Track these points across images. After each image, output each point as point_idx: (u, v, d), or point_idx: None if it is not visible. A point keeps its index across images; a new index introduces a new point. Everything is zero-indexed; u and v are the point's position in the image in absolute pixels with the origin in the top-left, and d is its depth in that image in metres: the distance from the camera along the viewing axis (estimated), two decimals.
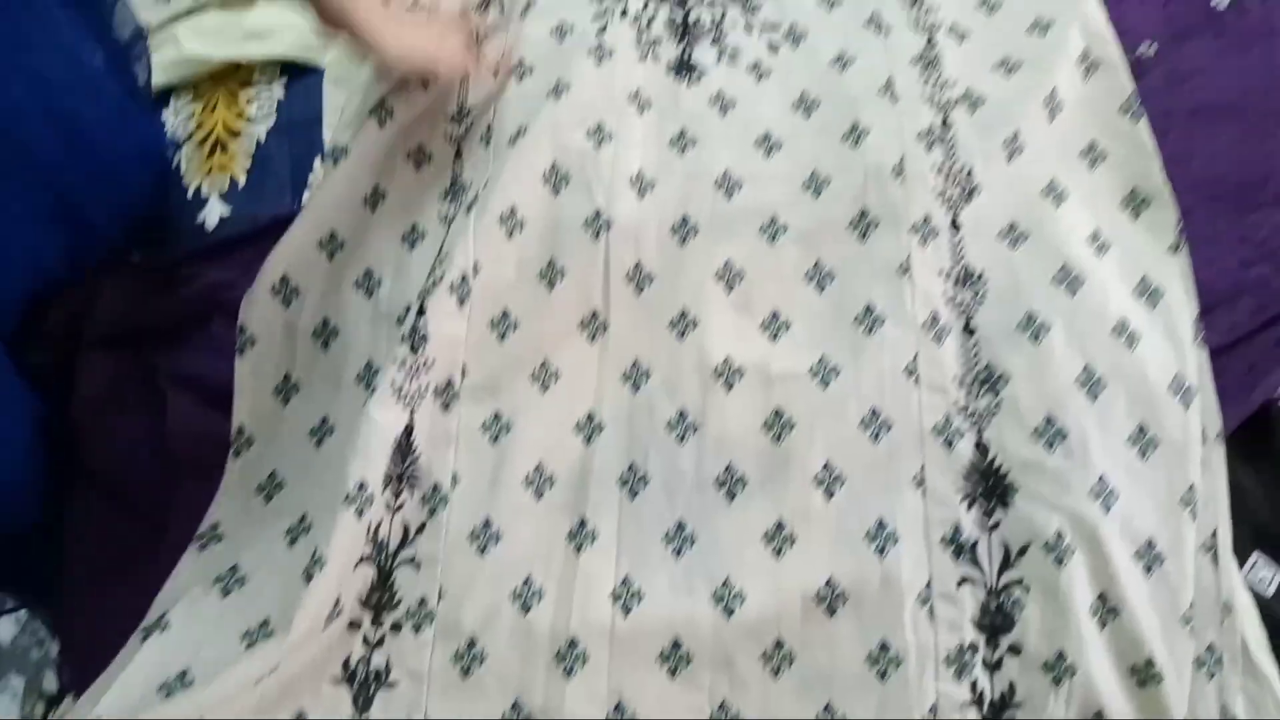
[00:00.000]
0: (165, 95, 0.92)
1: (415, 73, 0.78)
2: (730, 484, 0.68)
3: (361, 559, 0.65)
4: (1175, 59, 0.84)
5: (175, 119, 0.91)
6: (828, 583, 0.64)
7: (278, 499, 0.69)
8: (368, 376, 0.70)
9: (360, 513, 0.63)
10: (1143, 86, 0.80)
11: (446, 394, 0.70)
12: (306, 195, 0.84)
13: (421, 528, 0.67)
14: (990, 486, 0.66)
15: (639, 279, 0.73)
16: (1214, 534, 0.66)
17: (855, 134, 0.77)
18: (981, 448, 0.67)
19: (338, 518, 0.62)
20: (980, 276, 0.72)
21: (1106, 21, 0.82)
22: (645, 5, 0.86)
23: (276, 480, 0.70)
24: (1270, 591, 0.68)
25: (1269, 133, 0.79)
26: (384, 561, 0.66)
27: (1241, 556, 0.68)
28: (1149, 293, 0.73)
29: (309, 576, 0.60)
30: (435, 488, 0.68)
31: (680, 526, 0.67)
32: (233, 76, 0.92)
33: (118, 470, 0.74)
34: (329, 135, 0.86)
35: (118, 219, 0.81)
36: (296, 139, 0.88)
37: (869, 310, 0.71)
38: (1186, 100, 0.82)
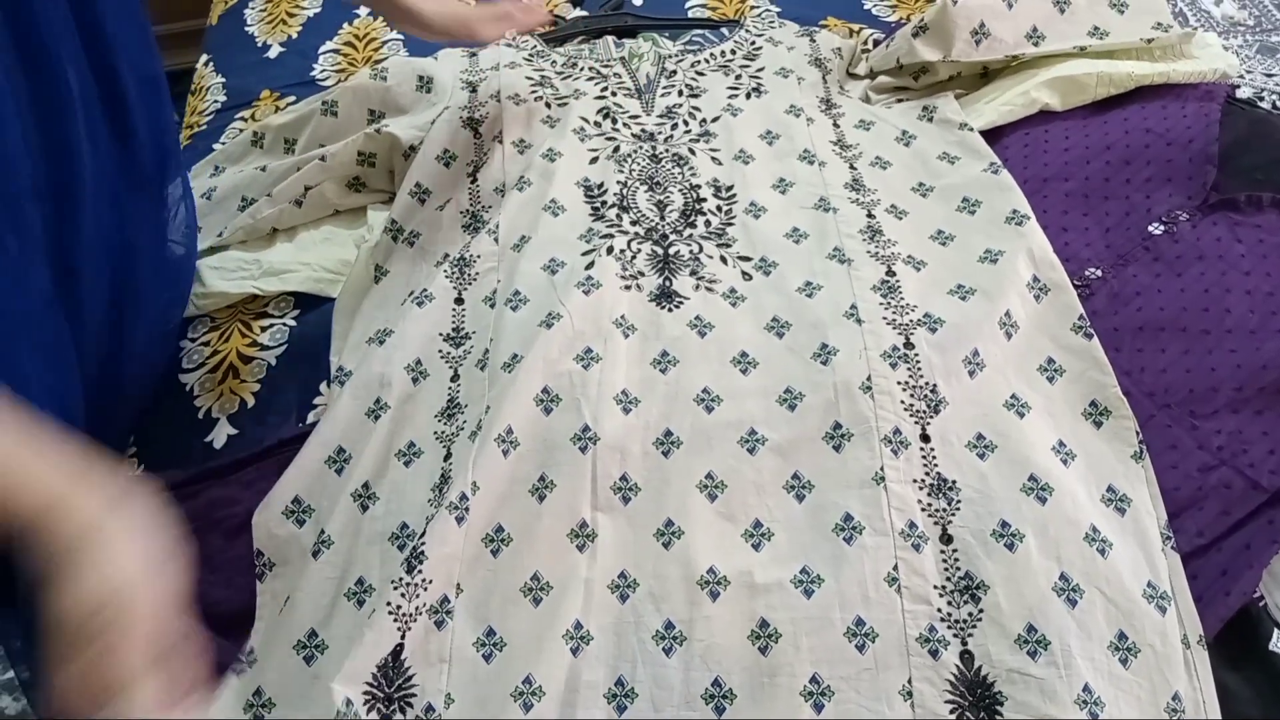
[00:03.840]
0: (184, 324, 0.98)
1: (449, 37, 0.95)
2: (718, 699, 0.68)
3: None
4: (1118, 282, 0.90)
5: (192, 345, 0.96)
6: None
7: None
8: (359, 593, 0.72)
9: None
10: (1090, 307, 0.86)
11: (441, 611, 0.71)
12: (311, 416, 0.89)
13: None
14: (978, 698, 0.66)
15: (625, 490, 0.76)
16: None
17: (825, 353, 0.82)
18: (967, 657, 0.68)
19: None
20: (954, 485, 0.75)
21: (1051, 250, 0.89)
22: (629, 243, 0.94)
23: (263, 699, 0.69)
24: None
25: (1210, 348, 0.84)
26: None
27: None
28: (1116, 500, 0.76)
29: None
30: (429, 708, 0.67)
31: None
32: (248, 307, 0.98)
33: None
34: (335, 359, 0.91)
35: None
36: (304, 363, 0.93)
37: (848, 518, 0.74)
38: (1132, 319, 0.87)
